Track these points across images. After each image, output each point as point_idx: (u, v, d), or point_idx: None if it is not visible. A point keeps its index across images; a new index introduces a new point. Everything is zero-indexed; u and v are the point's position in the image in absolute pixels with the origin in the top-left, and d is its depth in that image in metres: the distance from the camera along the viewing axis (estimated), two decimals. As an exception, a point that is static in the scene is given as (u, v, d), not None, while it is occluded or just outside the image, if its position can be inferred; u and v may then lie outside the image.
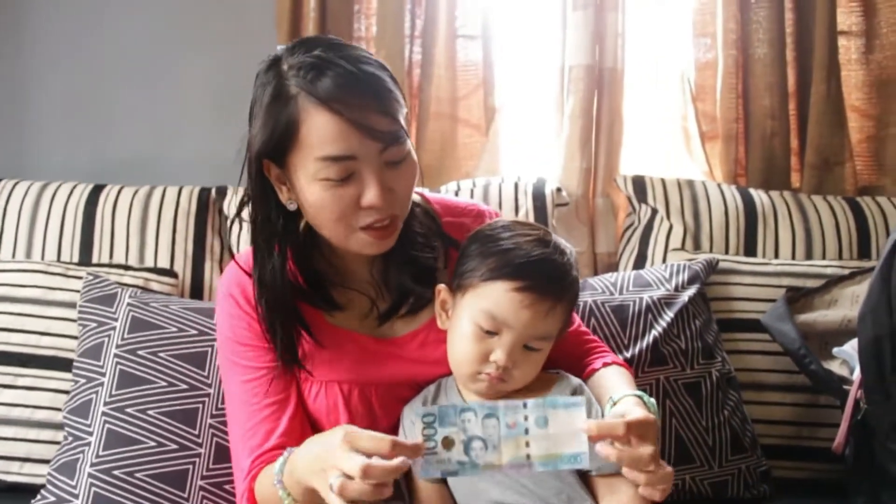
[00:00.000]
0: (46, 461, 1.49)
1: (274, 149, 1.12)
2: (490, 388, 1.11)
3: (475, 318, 1.11)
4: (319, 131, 1.07)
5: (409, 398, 1.22)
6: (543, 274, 1.11)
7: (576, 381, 1.17)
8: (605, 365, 1.26)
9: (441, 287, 1.18)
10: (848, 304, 1.62)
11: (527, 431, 0.94)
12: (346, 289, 1.24)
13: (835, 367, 1.49)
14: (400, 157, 1.12)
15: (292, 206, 1.15)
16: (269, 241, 1.17)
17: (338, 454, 0.94)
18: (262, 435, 1.17)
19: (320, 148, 1.07)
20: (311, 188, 1.10)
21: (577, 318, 1.35)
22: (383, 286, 1.24)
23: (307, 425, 1.21)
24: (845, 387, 1.42)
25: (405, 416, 1.19)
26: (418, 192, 1.29)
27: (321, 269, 1.24)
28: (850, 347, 1.47)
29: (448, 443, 0.93)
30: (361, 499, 0.92)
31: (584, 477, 1.11)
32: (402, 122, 1.12)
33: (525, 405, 0.95)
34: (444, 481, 1.12)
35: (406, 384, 1.22)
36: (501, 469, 0.95)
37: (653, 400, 1.11)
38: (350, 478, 0.92)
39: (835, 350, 1.51)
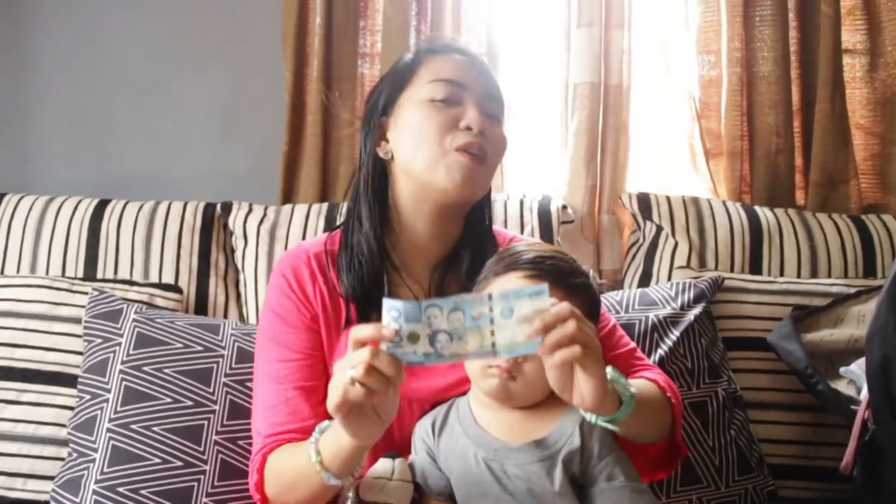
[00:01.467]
0: (51, 478, 1.49)
1: (390, 93, 1.27)
2: (501, 386, 1.09)
3: None
4: (441, 64, 1.25)
5: None
6: (554, 269, 1.12)
7: (589, 416, 1.11)
8: (639, 377, 1.24)
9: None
10: (854, 323, 1.61)
11: (492, 321, 0.94)
12: (402, 280, 1.27)
13: (842, 386, 1.49)
14: (497, 114, 1.26)
15: (386, 155, 1.26)
16: (367, 197, 1.26)
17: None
18: (285, 415, 1.18)
19: (435, 73, 1.23)
20: (415, 113, 1.22)
21: (630, 342, 1.34)
22: (435, 294, 1.26)
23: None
24: (853, 407, 1.41)
25: (416, 432, 1.19)
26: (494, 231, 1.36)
27: (387, 254, 1.27)
28: (858, 367, 1.46)
29: (413, 338, 0.93)
30: (359, 394, 0.93)
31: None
32: (503, 101, 1.29)
33: (490, 297, 0.94)
34: (453, 500, 1.12)
35: (430, 401, 1.22)
36: (467, 358, 0.95)
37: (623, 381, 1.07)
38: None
39: (842, 370, 1.50)
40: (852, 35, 2.07)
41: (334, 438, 1.03)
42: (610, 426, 1.05)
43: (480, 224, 1.31)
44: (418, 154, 1.21)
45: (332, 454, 1.04)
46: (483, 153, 1.20)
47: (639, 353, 1.34)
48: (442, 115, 1.20)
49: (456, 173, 1.19)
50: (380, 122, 1.28)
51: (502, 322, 0.94)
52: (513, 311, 0.94)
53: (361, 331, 0.95)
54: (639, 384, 1.15)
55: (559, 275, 1.12)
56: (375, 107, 1.29)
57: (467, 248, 1.27)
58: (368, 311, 1.22)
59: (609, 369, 1.05)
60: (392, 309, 0.94)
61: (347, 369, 0.93)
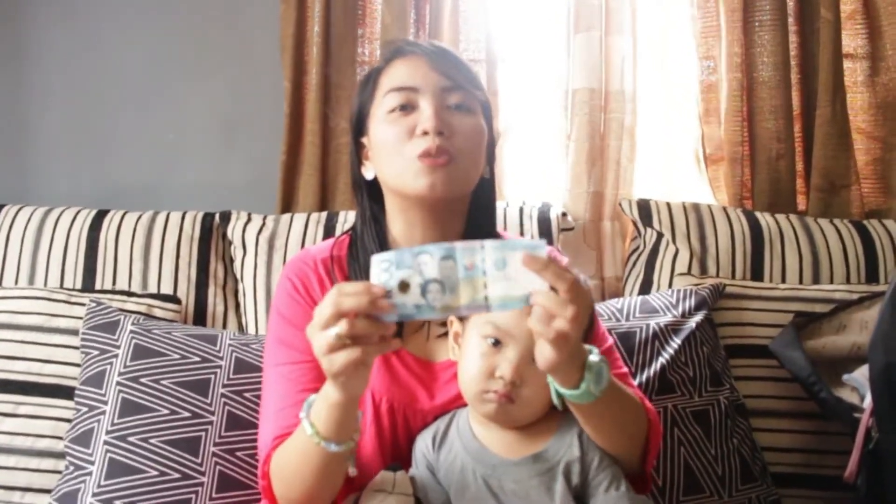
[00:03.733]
0: (48, 491, 1.48)
1: (360, 112, 1.27)
2: (499, 410, 1.08)
3: (481, 331, 1.10)
4: (394, 72, 1.23)
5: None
6: None
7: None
8: None
9: (452, 318, 1.18)
10: (857, 329, 1.60)
11: (484, 273, 0.91)
12: None
13: (845, 394, 1.47)
14: (464, 104, 1.21)
15: (370, 175, 1.26)
16: (364, 220, 1.28)
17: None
18: (294, 417, 1.14)
19: (390, 83, 1.22)
20: (378, 129, 1.22)
21: (623, 367, 1.31)
22: None
23: None
24: (856, 415, 1.40)
25: (416, 445, 1.18)
26: (499, 232, 1.33)
27: None
28: (861, 374, 1.45)
29: (404, 286, 0.90)
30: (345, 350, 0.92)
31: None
32: (474, 89, 1.23)
33: (483, 246, 0.91)
34: None
35: (433, 413, 1.20)
36: (459, 311, 0.92)
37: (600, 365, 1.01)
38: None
39: (845, 377, 1.49)
40: (853, 39, 2.06)
41: (324, 403, 1.01)
42: (567, 396, 1.01)
43: (483, 224, 1.28)
44: (388, 168, 1.21)
45: (326, 419, 1.01)
46: (446, 152, 1.17)
47: (631, 380, 1.31)
48: (399, 126, 1.19)
49: (421, 180, 1.17)
50: (360, 142, 1.29)
51: (495, 273, 0.91)
52: (506, 262, 0.91)
53: (347, 295, 0.91)
54: (619, 384, 1.12)
55: None
56: (354, 128, 1.29)
57: None
58: None
59: (595, 355, 1.01)
60: (382, 261, 0.92)
61: (332, 339, 0.92)
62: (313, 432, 1.02)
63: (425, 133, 1.17)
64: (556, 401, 1.03)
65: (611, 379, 1.04)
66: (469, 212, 1.28)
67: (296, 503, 1.10)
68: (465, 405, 1.18)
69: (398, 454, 1.19)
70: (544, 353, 0.95)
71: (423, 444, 1.16)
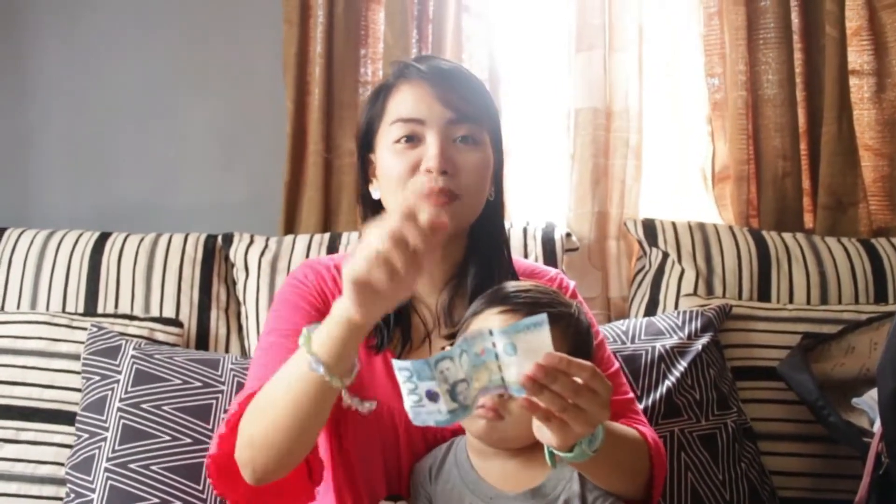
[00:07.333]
0: (49, 518, 1.47)
1: (367, 129, 1.25)
2: (488, 427, 1.06)
3: None
4: (401, 98, 1.21)
5: (434, 444, 1.18)
6: (530, 301, 1.08)
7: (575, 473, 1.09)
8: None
9: (446, 346, 1.16)
10: (866, 351, 1.58)
11: (496, 357, 0.90)
12: (412, 305, 1.23)
13: (854, 417, 1.45)
14: (471, 136, 1.19)
15: (377, 194, 1.25)
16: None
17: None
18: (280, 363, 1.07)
19: (397, 111, 1.20)
20: (384, 156, 1.21)
21: (629, 392, 1.28)
22: (443, 317, 1.23)
23: None
24: (865, 439, 1.37)
25: (414, 475, 1.16)
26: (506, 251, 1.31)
27: None
28: (870, 398, 1.43)
29: (433, 396, 0.90)
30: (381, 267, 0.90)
31: None
32: (485, 116, 1.21)
33: (491, 332, 0.90)
34: None
35: (432, 431, 1.18)
36: (485, 392, 0.91)
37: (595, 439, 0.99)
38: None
39: (854, 400, 1.46)
40: (859, 56, 2.05)
41: (333, 324, 0.95)
42: (562, 457, 0.99)
43: (486, 244, 1.27)
44: (391, 199, 1.21)
45: (326, 332, 0.96)
46: (449, 192, 1.16)
47: (636, 406, 1.28)
48: (403, 160, 1.18)
49: (422, 217, 1.15)
50: (368, 159, 1.27)
51: (507, 359, 0.90)
52: (516, 347, 0.90)
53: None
54: (613, 426, 1.09)
55: (535, 306, 1.06)
56: (361, 144, 1.28)
57: (472, 269, 1.24)
58: (383, 330, 1.20)
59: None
60: (402, 370, 0.90)
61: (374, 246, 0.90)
62: (306, 338, 0.97)
63: (429, 171, 1.16)
64: (549, 460, 1.01)
65: (606, 429, 1.00)
66: (471, 236, 1.26)
67: (261, 449, 1.03)
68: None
69: (399, 474, 1.17)
70: (544, 436, 0.95)
71: (419, 474, 1.15)
